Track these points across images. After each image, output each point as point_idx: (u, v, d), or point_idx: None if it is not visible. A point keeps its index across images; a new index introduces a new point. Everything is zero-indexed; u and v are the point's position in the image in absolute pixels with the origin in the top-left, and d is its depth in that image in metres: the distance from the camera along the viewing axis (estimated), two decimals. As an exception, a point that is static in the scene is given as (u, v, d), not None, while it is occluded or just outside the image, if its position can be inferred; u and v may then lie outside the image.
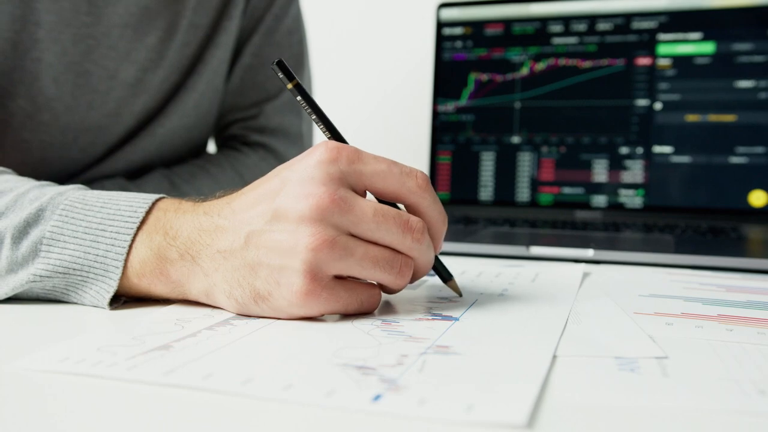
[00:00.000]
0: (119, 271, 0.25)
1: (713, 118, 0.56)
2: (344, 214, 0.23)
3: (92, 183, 0.43)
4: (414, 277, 0.26)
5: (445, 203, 0.62)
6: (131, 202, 0.26)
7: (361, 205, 0.23)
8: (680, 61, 0.57)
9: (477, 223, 0.51)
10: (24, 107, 0.41)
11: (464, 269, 0.35)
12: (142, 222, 0.26)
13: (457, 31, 0.63)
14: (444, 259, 0.33)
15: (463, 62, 0.63)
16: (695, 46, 0.57)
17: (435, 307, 0.26)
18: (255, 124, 0.51)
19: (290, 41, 0.52)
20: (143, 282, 0.25)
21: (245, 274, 0.24)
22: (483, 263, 0.37)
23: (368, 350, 0.20)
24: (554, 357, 0.20)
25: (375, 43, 0.92)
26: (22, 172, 0.41)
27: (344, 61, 0.93)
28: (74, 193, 0.27)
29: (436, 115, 0.64)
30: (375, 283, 0.25)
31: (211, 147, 0.56)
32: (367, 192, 0.25)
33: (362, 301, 0.24)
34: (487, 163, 0.61)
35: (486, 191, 0.61)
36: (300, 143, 0.53)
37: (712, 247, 0.40)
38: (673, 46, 0.57)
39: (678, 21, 0.57)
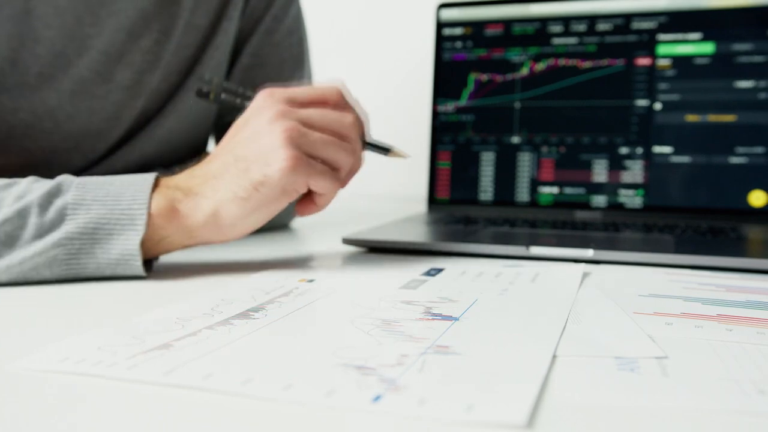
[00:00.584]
0: (144, 218, 0.30)
1: (713, 118, 0.56)
2: (296, 114, 0.32)
3: None
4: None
5: (445, 203, 0.62)
6: (139, 176, 0.32)
7: (305, 109, 0.33)
8: (680, 61, 0.57)
9: (477, 223, 0.51)
10: (25, 119, 0.41)
11: (464, 269, 0.35)
12: (153, 186, 0.31)
13: (457, 31, 0.63)
14: (445, 259, 0.33)
15: (463, 62, 0.63)
16: (695, 47, 0.57)
17: (435, 307, 0.26)
18: None
19: (290, 41, 0.52)
20: (158, 222, 0.30)
21: (242, 175, 0.31)
22: (483, 263, 0.37)
23: (368, 350, 0.20)
24: (554, 357, 0.20)
25: (375, 43, 0.92)
26: (24, 175, 0.42)
27: (345, 61, 0.93)
28: (79, 178, 0.32)
29: (436, 115, 0.64)
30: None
31: (211, 147, 0.56)
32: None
33: (331, 173, 0.32)
34: (487, 163, 0.61)
35: (486, 191, 0.61)
36: None
37: (711, 247, 0.40)
38: (673, 47, 0.57)
39: (678, 21, 0.57)
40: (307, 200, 0.34)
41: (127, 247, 0.29)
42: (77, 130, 0.43)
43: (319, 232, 0.54)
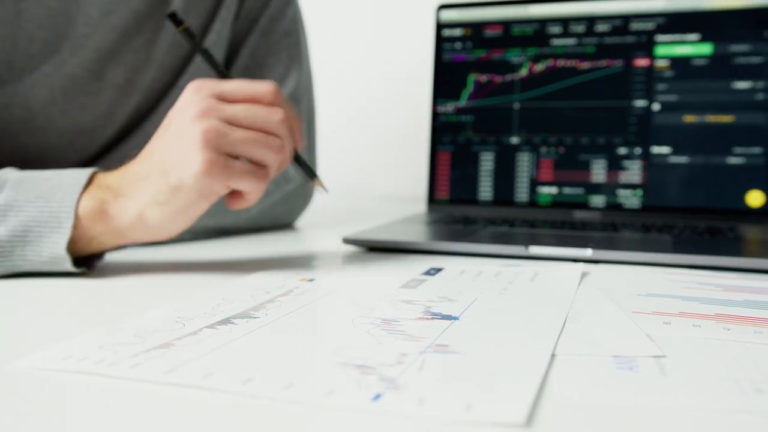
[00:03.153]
0: (71, 221, 0.30)
1: (711, 118, 0.56)
2: (220, 111, 0.30)
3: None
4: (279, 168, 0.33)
5: (445, 203, 0.62)
6: (72, 174, 0.32)
7: (231, 106, 0.31)
8: (678, 62, 0.57)
9: (476, 223, 0.51)
10: (20, 115, 0.41)
11: (464, 269, 0.35)
12: (84, 187, 0.31)
13: (457, 32, 0.63)
14: (445, 259, 0.33)
15: (463, 63, 0.63)
16: (693, 48, 0.57)
17: (434, 306, 0.26)
18: None
19: (287, 42, 0.52)
20: (86, 223, 0.30)
21: (161, 179, 0.30)
22: (482, 263, 0.37)
23: (368, 349, 0.20)
24: (553, 356, 0.20)
25: (375, 44, 0.92)
26: None
27: (345, 62, 0.93)
28: (14, 173, 0.32)
29: (435, 115, 0.64)
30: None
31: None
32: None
33: (255, 172, 0.31)
34: (487, 163, 0.62)
35: (485, 191, 0.61)
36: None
37: (709, 247, 0.40)
38: (671, 48, 0.57)
39: (676, 22, 0.57)
40: (235, 195, 0.33)
41: (54, 249, 0.30)
42: (71, 127, 0.43)
43: (320, 232, 0.54)
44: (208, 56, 0.34)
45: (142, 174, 0.31)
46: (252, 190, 0.32)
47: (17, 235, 0.30)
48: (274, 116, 0.31)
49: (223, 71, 0.34)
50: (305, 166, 0.35)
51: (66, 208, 0.30)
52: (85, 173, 0.32)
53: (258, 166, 0.31)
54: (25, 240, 0.30)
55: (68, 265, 0.30)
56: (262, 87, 0.32)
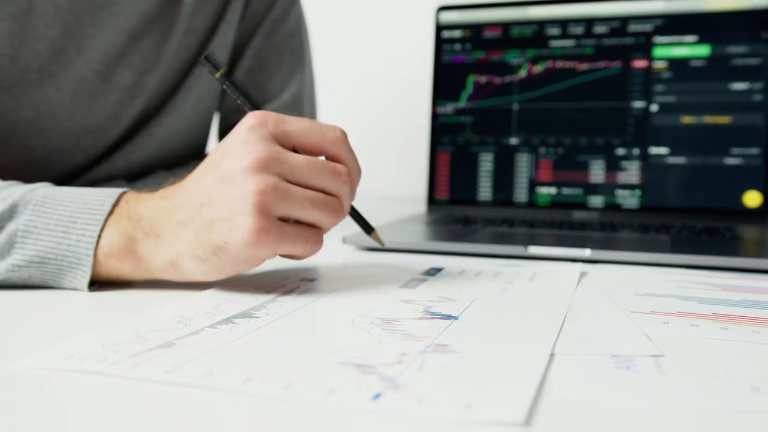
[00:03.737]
0: (90, 259, 0.28)
1: (708, 119, 0.56)
2: (281, 164, 0.27)
3: (93, 185, 0.44)
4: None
5: (444, 204, 0.63)
6: (98, 196, 0.29)
7: (293, 156, 0.27)
8: (676, 63, 0.57)
9: (476, 223, 0.52)
10: (27, 116, 0.41)
11: (463, 269, 0.35)
12: (109, 213, 0.28)
13: (456, 33, 0.64)
14: (444, 259, 0.33)
15: (462, 64, 0.63)
16: (690, 49, 0.57)
17: (434, 306, 0.27)
18: None
19: (291, 43, 0.52)
20: (111, 262, 0.28)
21: (203, 233, 0.27)
22: (482, 263, 0.37)
23: (368, 349, 0.21)
24: (552, 355, 0.20)
25: (375, 45, 0.92)
26: (24, 174, 0.41)
27: (345, 64, 0.93)
28: (44, 189, 0.29)
29: (435, 116, 0.64)
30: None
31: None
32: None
33: (307, 237, 0.28)
34: (486, 164, 0.62)
35: (485, 192, 0.61)
36: None
37: (707, 247, 0.40)
38: (669, 49, 0.58)
39: (673, 24, 0.58)
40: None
41: (74, 285, 0.28)
42: (78, 128, 0.43)
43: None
44: (249, 99, 0.31)
45: (181, 218, 0.27)
46: (301, 256, 0.29)
47: (34, 263, 0.28)
48: (338, 177, 0.28)
49: (258, 104, 0.31)
50: (362, 220, 0.32)
51: (86, 243, 0.27)
52: (111, 196, 0.28)
53: (311, 228, 0.28)
54: (43, 269, 0.28)
55: (87, 290, 0.28)
56: (331, 134, 0.28)
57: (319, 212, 0.28)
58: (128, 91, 0.44)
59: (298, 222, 0.28)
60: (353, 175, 0.30)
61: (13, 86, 0.40)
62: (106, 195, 0.29)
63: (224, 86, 0.31)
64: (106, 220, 0.28)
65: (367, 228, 0.32)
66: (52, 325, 0.24)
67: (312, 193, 0.27)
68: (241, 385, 0.17)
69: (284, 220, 0.27)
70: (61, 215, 0.28)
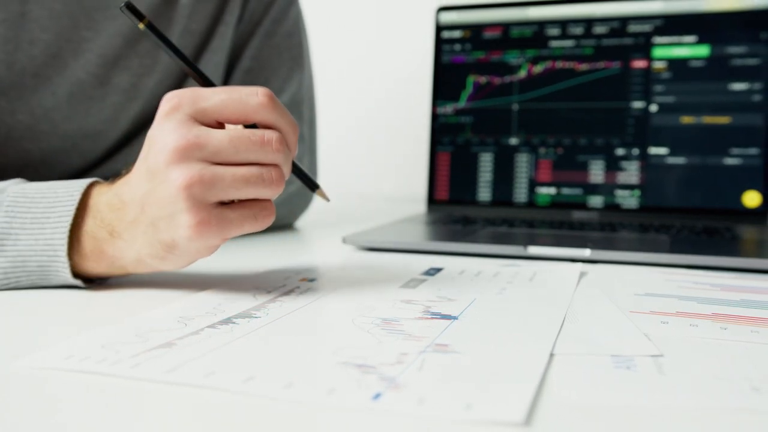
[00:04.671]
0: (65, 248, 0.27)
1: (708, 119, 0.56)
2: (202, 148, 0.25)
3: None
4: None
5: (444, 204, 0.63)
6: (68, 188, 0.29)
7: (215, 135, 0.26)
8: (675, 63, 0.57)
9: (475, 223, 0.52)
10: (23, 120, 0.41)
11: (463, 268, 0.35)
12: (80, 206, 0.28)
13: (456, 34, 0.64)
14: (444, 259, 0.33)
15: (462, 65, 0.63)
16: (690, 49, 0.57)
17: (434, 306, 0.27)
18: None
19: (289, 44, 0.52)
20: (88, 264, 0.28)
21: (152, 233, 0.27)
22: (481, 263, 0.37)
23: (368, 349, 0.21)
24: (551, 355, 0.20)
25: (375, 46, 0.92)
26: (23, 176, 0.41)
27: (345, 64, 0.93)
28: (14, 188, 0.29)
29: (435, 116, 0.64)
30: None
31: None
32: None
33: (255, 214, 0.27)
34: (486, 164, 0.62)
35: (484, 192, 0.61)
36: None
37: (706, 247, 0.40)
38: (669, 49, 0.58)
39: (673, 24, 0.58)
40: None
41: (61, 280, 0.28)
42: (75, 132, 0.43)
43: (320, 232, 0.54)
44: (175, 50, 0.29)
45: (130, 218, 0.27)
46: (257, 229, 0.27)
47: (17, 265, 0.28)
48: (269, 146, 0.26)
49: (199, 71, 0.29)
50: (305, 178, 0.31)
51: (60, 233, 0.27)
52: (80, 187, 0.28)
53: (256, 203, 0.27)
54: (27, 270, 0.28)
55: (81, 285, 0.29)
56: (253, 100, 0.26)
57: (256, 188, 0.26)
58: (126, 94, 0.44)
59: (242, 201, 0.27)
60: (287, 135, 0.27)
61: (8, 90, 0.40)
62: (75, 186, 0.29)
63: (152, 38, 0.28)
64: (76, 214, 0.28)
65: (312, 185, 0.31)
66: (52, 325, 0.24)
67: (243, 170, 0.26)
68: (242, 385, 0.18)
69: (226, 202, 0.27)
70: (35, 212, 0.28)
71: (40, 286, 0.29)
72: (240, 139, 0.26)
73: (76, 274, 0.28)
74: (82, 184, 0.29)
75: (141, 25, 0.28)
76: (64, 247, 0.28)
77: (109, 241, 0.28)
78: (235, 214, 0.26)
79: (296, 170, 0.31)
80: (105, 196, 0.28)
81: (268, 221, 0.28)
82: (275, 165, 0.27)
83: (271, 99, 0.27)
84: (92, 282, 0.30)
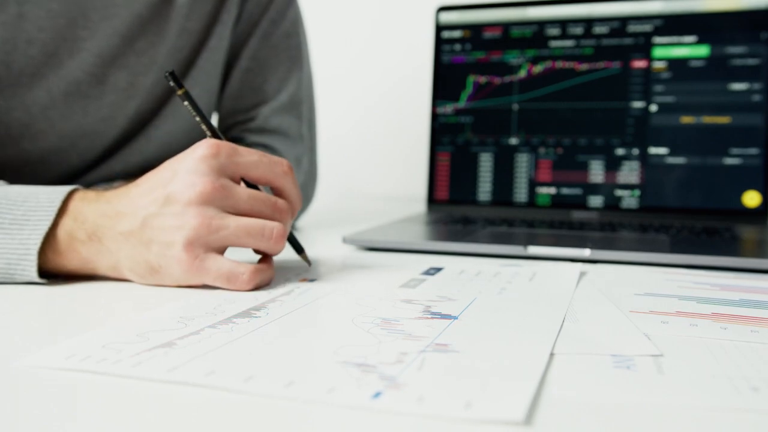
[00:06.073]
0: (37, 247, 0.28)
1: (707, 119, 0.56)
2: (224, 198, 0.29)
3: (92, 186, 0.44)
4: None
5: (444, 204, 0.63)
6: (50, 194, 0.30)
7: (237, 190, 0.29)
8: (675, 63, 0.57)
9: (475, 223, 0.52)
10: (20, 118, 0.41)
11: (463, 268, 0.35)
12: (60, 211, 0.29)
13: (456, 34, 0.64)
14: (444, 258, 0.33)
15: (462, 65, 0.63)
16: (690, 49, 0.57)
17: (434, 305, 0.27)
18: (254, 126, 0.52)
19: (287, 44, 0.52)
20: (58, 258, 0.29)
21: (142, 251, 0.29)
22: (481, 263, 0.37)
23: (368, 348, 0.21)
24: (551, 355, 0.21)
25: (375, 46, 0.92)
26: (22, 176, 0.41)
27: (345, 64, 0.93)
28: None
29: (435, 116, 0.64)
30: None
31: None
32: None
33: (228, 273, 0.28)
34: (486, 164, 0.62)
35: (484, 192, 0.62)
36: (301, 144, 0.53)
37: (706, 247, 0.40)
38: (668, 49, 0.58)
39: (673, 24, 0.58)
40: None
41: (25, 278, 0.29)
42: (73, 131, 0.43)
43: (320, 232, 0.54)
44: (207, 122, 0.32)
45: (123, 229, 0.28)
46: (233, 289, 0.29)
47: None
48: (277, 210, 0.30)
49: (217, 132, 0.32)
50: (295, 243, 0.34)
51: (36, 235, 0.28)
52: (62, 193, 0.29)
53: (246, 266, 0.29)
54: (8, 265, 0.29)
55: (44, 282, 0.29)
56: (278, 168, 0.30)
57: (255, 239, 0.29)
58: (123, 92, 0.44)
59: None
60: (293, 206, 0.32)
61: (4, 89, 0.40)
62: (57, 193, 0.30)
63: (185, 104, 0.31)
64: (56, 217, 0.29)
65: (298, 248, 0.34)
66: (52, 325, 0.24)
67: (246, 221, 0.29)
68: (243, 384, 0.18)
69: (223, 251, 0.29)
70: (15, 214, 0.29)
71: (2, 283, 0.30)
72: (256, 197, 0.29)
73: (44, 271, 0.29)
74: (64, 190, 0.30)
75: (180, 92, 0.31)
76: (37, 247, 0.29)
77: (87, 244, 0.29)
78: (214, 267, 0.28)
79: (290, 237, 0.34)
80: (94, 203, 0.30)
81: (243, 286, 0.29)
82: (279, 224, 0.30)
83: (291, 170, 0.31)
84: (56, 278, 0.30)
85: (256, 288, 0.29)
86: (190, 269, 0.28)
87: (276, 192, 0.31)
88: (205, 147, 0.29)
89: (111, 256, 0.29)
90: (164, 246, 0.28)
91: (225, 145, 0.29)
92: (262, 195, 0.30)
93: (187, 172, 0.28)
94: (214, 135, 0.32)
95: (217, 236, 0.28)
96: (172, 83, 0.31)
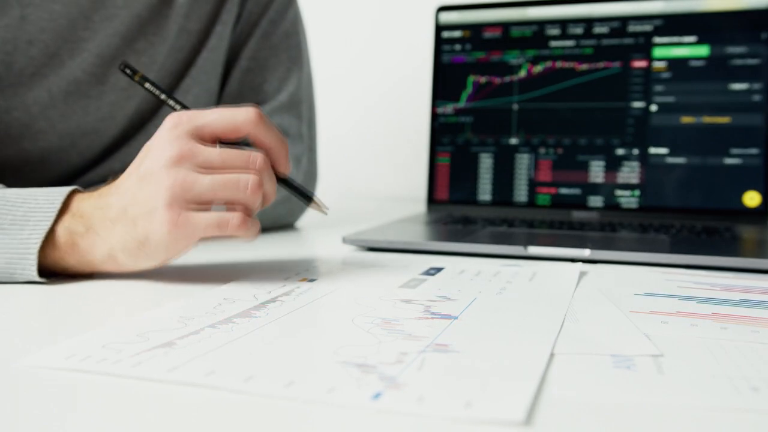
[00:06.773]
0: (37, 247, 0.29)
1: (708, 119, 0.56)
2: (193, 157, 0.29)
3: (92, 186, 0.44)
4: (264, 202, 0.31)
5: (444, 204, 0.63)
6: (48, 195, 0.31)
7: (206, 149, 0.29)
8: (675, 63, 0.57)
9: (476, 223, 0.52)
10: (19, 118, 0.41)
11: (463, 268, 0.35)
12: (60, 210, 0.30)
13: (456, 34, 0.64)
14: (444, 258, 0.33)
15: (462, 65, 0.63)
16: (690, 49, 0.57)
17: (434, 305, 0.27)
18: None
19: (287, 44, 0.52)
20: (57, 254, 0.30)
21: (129, 229, 0.29)
22: (481, 263, 0.37)
23: (368, 348, 0.21)
24: (552, 355, 0.21)
25: (375, 46, 0.92)
26: (22, 176, 0.42)
27: (345, 64, 0.93)
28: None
29: (435, 116, 0.64)
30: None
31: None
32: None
33: (226, 221, 0.29)
34: (486, 164, 0.62)
35: (484, 192, 0.62)
36: (301, 144, 0.53)
37: (706, 247, 0.40)
38: (669, 49, 0.58)
39: (673, 24, 0.58)
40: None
41: (25, 278, 0.30)
42: (73, 130, 0.43)
43: (320, 232, 0.54)
44: (169, 96, 0.32)
45: (112, 215, 0.30)
46: (230, 236, 0.29)
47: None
48: (252, 161, 0.29)
49: (185, 106, 0.32)
50: (299, 191, 0.32)
51: (37, 235, 0.29)
52: (61, 194, 0.30)
53: (232, 212, 0.29)
54: (7, 264, 0.30)
55: (44, 281, 0.30)
56: (241, 115, 0.30)
57: (230, 191, 0.29)
58: (123, 92, 0.44)
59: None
60: (276, 151, 0.31)
61: (5, 89, 0.40)
62: (56, 194, 0.31)
63: (146, 88, 0.32)
64: (56, 218, 0.30)
65: (306, 198, 0.33)
66: (52, 325, 0.24)
67: (220, 175, 0.29)
68: (243, 384, 0.18)
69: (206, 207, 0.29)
70: (15, 215, 0.30)
71: (2, 282, 0.30)
72: (228, 153, 0.29)
73: (44, 269, 0.30)
74: (63, 191, 0.31)
75: (137, 78, 0.32)
76: (37, 246, 0.29)
77: (84, 235, 0.30)
78: (203, 221, 0.29)
79: (289, 185, 0.33)
80: (89, 200, 0.31)
81: (241, 231, 0.29)
82: (253, 176, 0.29)
83: (257, 114, 0.30)
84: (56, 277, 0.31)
85: (246, 237, 0.30)
86: (177, 227, 0.28)
87: (253, 144, 0.31)
88: (168, 120, 0.30)
89: (104, 243, 0.30)
90: (147, 216, 0.29)
91: (186, 112, 0.30)
92: (234, 150, 0.30)
93: (157, 147, 0.29)
94: (183, 108, 0.32)
95: (193, 193, 0.28)
96: (128, 72, 0.31)
